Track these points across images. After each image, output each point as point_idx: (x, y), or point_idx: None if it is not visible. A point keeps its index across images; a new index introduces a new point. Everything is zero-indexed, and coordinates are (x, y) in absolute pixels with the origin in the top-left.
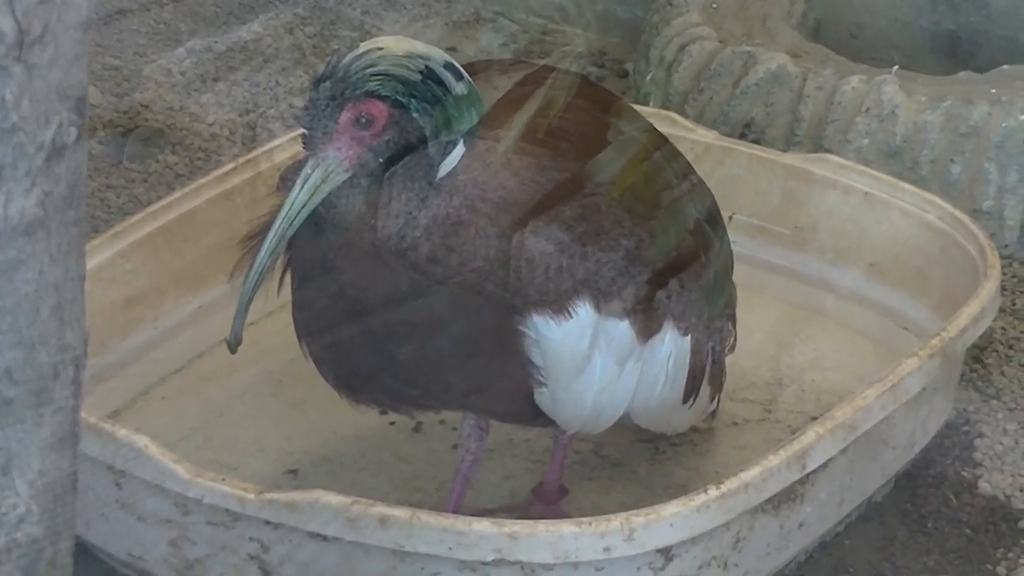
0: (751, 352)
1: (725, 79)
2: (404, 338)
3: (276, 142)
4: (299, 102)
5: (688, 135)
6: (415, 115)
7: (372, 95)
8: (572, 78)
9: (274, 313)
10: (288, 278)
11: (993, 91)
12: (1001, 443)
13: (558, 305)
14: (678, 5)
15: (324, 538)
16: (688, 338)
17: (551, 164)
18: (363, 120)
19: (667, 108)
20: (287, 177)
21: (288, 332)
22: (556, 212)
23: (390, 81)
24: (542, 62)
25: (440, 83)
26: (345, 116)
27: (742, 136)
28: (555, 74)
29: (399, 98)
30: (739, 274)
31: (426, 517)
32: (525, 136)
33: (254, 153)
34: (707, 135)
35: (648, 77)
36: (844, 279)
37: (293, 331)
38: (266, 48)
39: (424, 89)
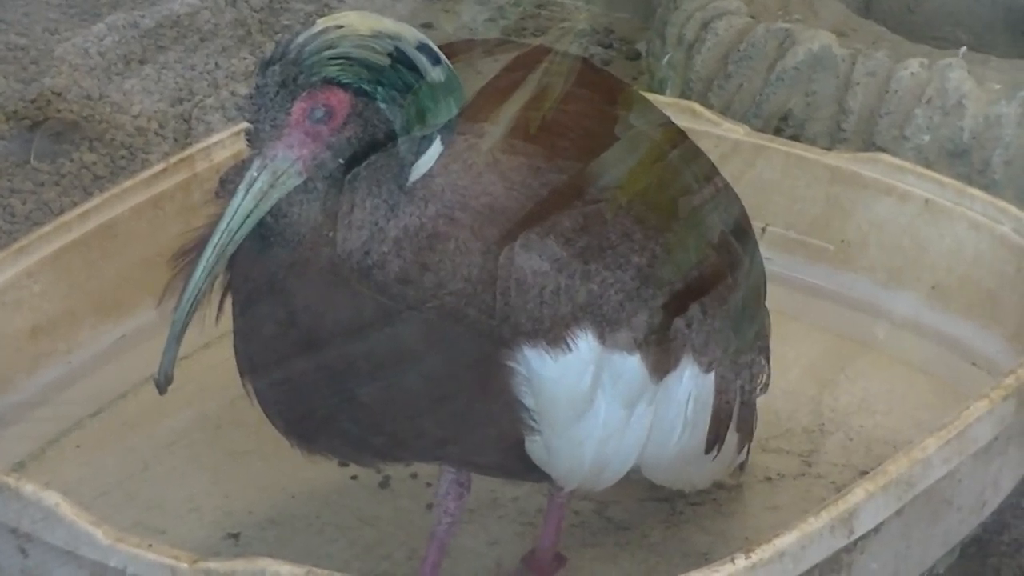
0: (788, 392)
1: (757, 62)
2: (368, 375)
3: (215, 138)
4: (243, 89)
5: (712, 130)
6: (382, 106)
7: (331, 82)
8: (572, 61)
9: (212, 345)
10: (229, 303)
11: None
12: None
13: (554, 335)
14: None
15: None
16: (711, 375)
17: (546, 165)
18: (320, 112)
19: (687, 97)
20: (228, 180)
21: (228, 368)
22: (552, 223)
23: (352, 66)
24: (536, 42)
25: (412, 68)
26: (298, 107)
27: (777, 131)
28: (551, 56)
29: (363, 86)
30: (773, 298)
31: None
32: (515, 131)
33: (188, 151)
34: (735, 130)
35: (664, 60)
36: (899, 304)
37: (234, 366)
38: (203, 24)
39: (393, 75)
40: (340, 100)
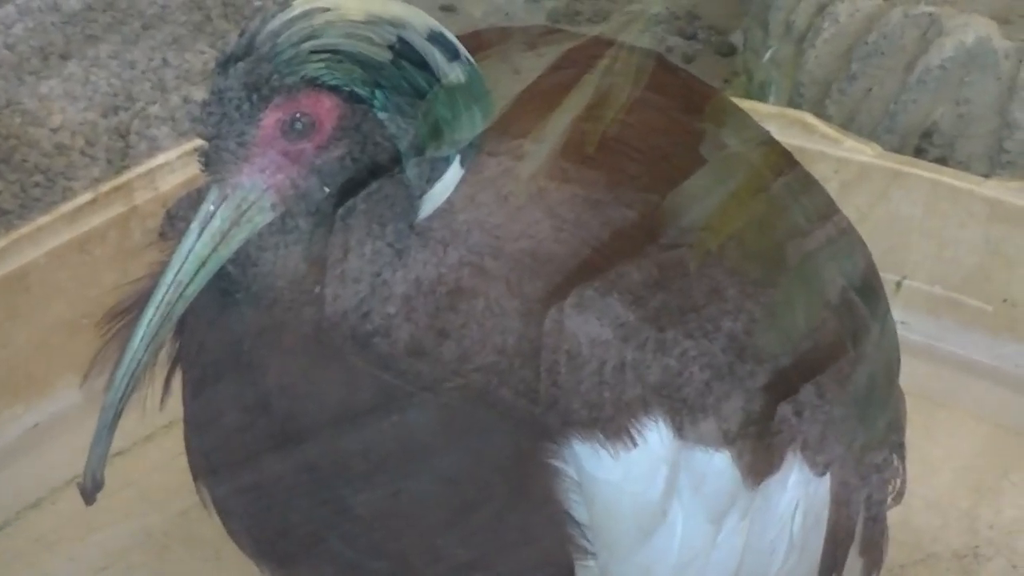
0: (932, 504)
1: (891, 59)
2: (366, 478)
3: (160, 159)
4: (199, 94)
5: (831, 150)
6: (382, 116)
7: (313, 84)
8: (642, 58)
9: (156, 437)
10: (178, 381)
11: None
12: None
13: (616, 426)
14: None
15: None
16: (827, 480)
17: (607, 197)
18: (299, 124)
19: (797, 106)
20: (178, 216)
21: (178, 468)
22: (615, 275)
23: (342, 62)
24: (594, 31)
25: (422, 65)
26: (270, 118)
27: (918, 152)
28: (614, 51)
29: (356, 89)
30: (911, 376)
31: None
32: (566, 151)
33: (125, 176)
34: (862, 150)
35: (767, 56)
36: None
37: (185, 466)
38: (147, 7)
39: (396, 75)
40: (326, 108)
